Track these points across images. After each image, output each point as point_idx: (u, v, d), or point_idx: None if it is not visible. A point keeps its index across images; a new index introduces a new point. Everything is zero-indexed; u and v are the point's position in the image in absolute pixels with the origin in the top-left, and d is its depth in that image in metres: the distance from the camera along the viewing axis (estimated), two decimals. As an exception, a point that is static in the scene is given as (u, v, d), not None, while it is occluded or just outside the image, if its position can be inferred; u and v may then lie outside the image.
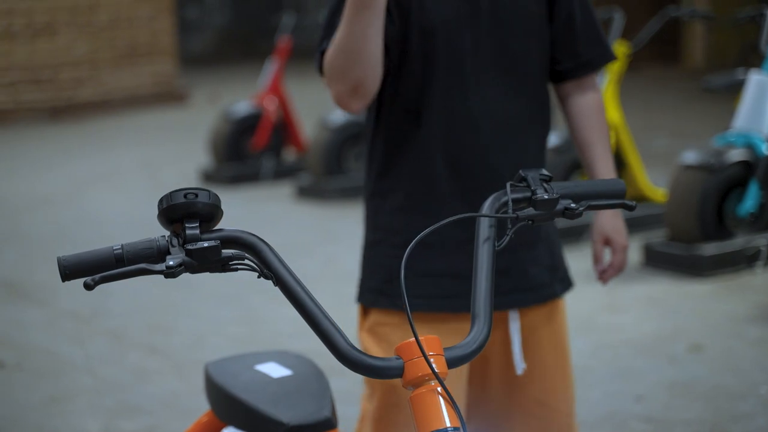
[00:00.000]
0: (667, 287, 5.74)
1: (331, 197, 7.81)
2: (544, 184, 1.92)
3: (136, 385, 4.70)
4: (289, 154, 8.99)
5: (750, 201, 5.90)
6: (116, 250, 1.72)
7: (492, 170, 2.54)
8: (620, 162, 6.65)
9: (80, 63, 12.39)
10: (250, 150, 8.64)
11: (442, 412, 1.73)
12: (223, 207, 1.77)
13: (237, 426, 2.39)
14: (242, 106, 8.76)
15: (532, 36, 2.57)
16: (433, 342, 1.77)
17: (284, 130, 8.80)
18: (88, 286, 1.69)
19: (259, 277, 1.78)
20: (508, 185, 1.92)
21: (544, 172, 1.93)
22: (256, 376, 2.42)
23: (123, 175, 9.27)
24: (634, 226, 6.56)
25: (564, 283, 2.70)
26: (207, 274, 1.77)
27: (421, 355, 1.73)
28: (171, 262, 1.71)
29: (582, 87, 2.67)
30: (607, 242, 2.68)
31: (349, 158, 8.06)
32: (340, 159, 8.01)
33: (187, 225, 1.73)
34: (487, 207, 1.89)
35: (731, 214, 5.96)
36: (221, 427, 2.48)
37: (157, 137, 10.92)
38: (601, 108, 2.69)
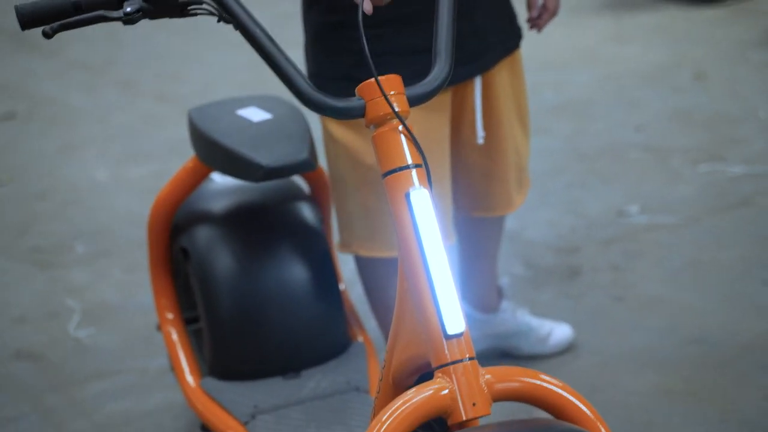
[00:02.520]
0: (676, 14, 5.67)
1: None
2: None
3: (145, 133, 4.78)
4: None
5: None
6: None
7: None
8: None
9: None
10: None
11: (403, 149, 1.74)
12: None
13: (219, 170, 2.42)
14: None
15: None
16: (394, 81, 1.77)
17: None
18: (47, 35, 1.71)
19: (218, 21, 1.78)
20: None
21: None
22: (236, 120, 2.43)
23: None
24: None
25: (519, 32, 2.67)
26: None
27: (381, 94, 1.75)
28: (128, 9, 1.71)
29: None
30: None
31: None
32: None
33: (144, -30, 1.73)
34: None
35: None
36: (207, 172, 2.53)
37: None
38: None
